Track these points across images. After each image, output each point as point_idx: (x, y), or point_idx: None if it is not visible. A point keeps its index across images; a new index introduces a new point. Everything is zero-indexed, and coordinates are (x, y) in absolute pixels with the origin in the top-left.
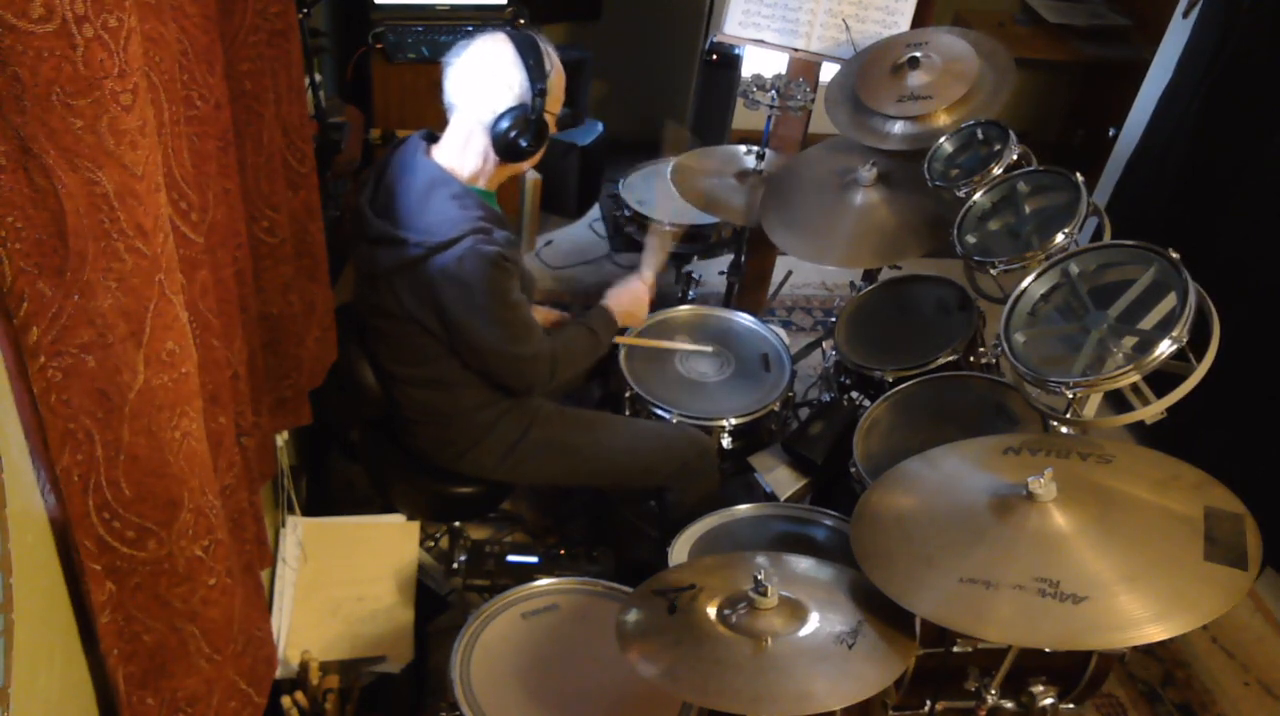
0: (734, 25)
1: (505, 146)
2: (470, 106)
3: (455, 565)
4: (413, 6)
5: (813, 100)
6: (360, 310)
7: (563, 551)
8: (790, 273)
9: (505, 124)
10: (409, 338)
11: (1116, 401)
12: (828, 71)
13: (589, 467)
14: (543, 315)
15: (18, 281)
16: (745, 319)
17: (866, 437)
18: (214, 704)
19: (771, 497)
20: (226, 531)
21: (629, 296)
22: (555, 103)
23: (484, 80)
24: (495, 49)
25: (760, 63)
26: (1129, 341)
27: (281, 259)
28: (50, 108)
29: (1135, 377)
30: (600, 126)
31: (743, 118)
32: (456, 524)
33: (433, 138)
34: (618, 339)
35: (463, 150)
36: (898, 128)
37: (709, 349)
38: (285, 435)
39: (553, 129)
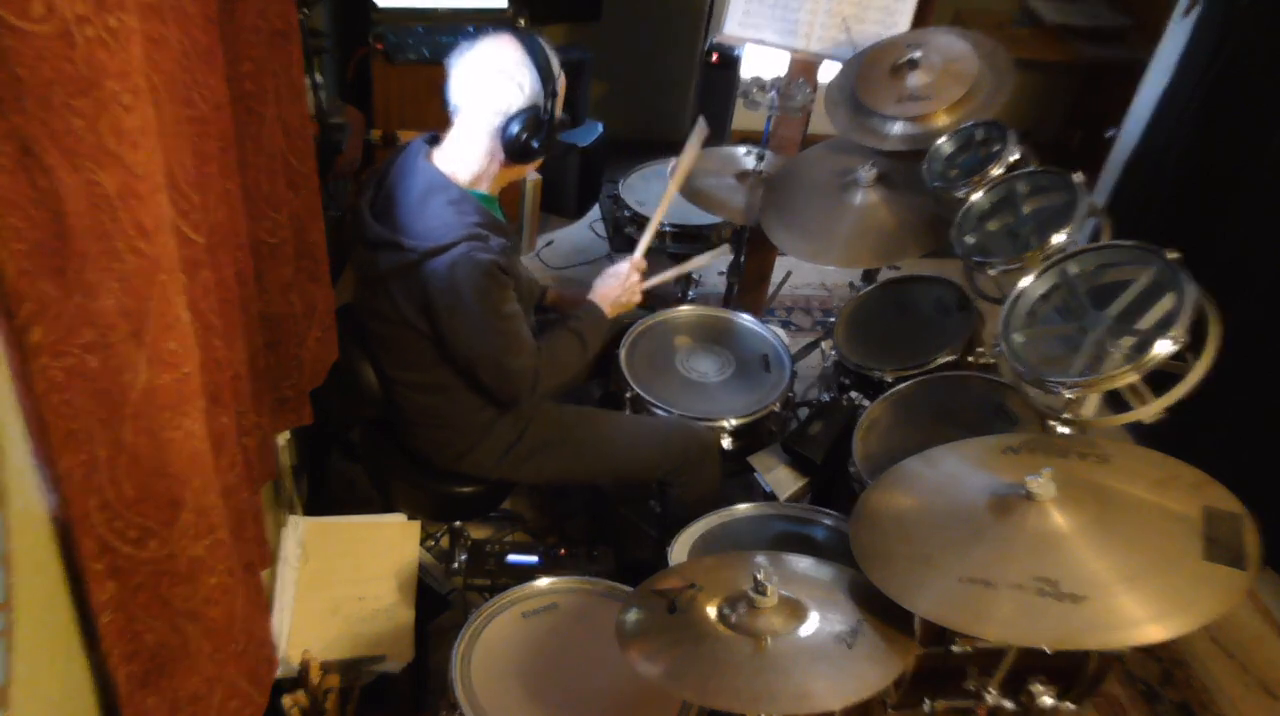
0: (734, 25)
1: (517, 148)
2: (477, 108)
3: (456, 564)
4: (413, 8)
5: (812, 101)
6: (360, 313)
7: (563, 551)
8: (790, 273)
9: (517, 126)
10: (405, 342)
11: (1115, 401)
12: (827, 72)
13: (590, 463)
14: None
15: (19, 281)
16: (745, 319)
17: (866, 437)
18: (215, 703)
19: (771, 497)
20: (228, 531)
21: (615, 284)
22: (559, 106)
23: (493, 81)
24: (504, 50)
25: (760, 63)
26: (1127, 341)
27: (282, 259)
28: (51, 108)
29: (1134, 378)
30: (600, 127)
31: (743, 118)
32: (457, 523)
33: (435, 140)
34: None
35: (465, 153)
36: (897, 128)
37: (726, 248)
38: (286, 435)
39: None
